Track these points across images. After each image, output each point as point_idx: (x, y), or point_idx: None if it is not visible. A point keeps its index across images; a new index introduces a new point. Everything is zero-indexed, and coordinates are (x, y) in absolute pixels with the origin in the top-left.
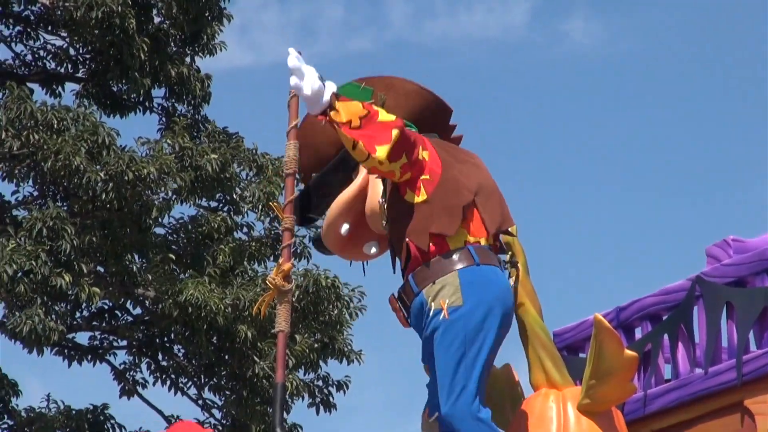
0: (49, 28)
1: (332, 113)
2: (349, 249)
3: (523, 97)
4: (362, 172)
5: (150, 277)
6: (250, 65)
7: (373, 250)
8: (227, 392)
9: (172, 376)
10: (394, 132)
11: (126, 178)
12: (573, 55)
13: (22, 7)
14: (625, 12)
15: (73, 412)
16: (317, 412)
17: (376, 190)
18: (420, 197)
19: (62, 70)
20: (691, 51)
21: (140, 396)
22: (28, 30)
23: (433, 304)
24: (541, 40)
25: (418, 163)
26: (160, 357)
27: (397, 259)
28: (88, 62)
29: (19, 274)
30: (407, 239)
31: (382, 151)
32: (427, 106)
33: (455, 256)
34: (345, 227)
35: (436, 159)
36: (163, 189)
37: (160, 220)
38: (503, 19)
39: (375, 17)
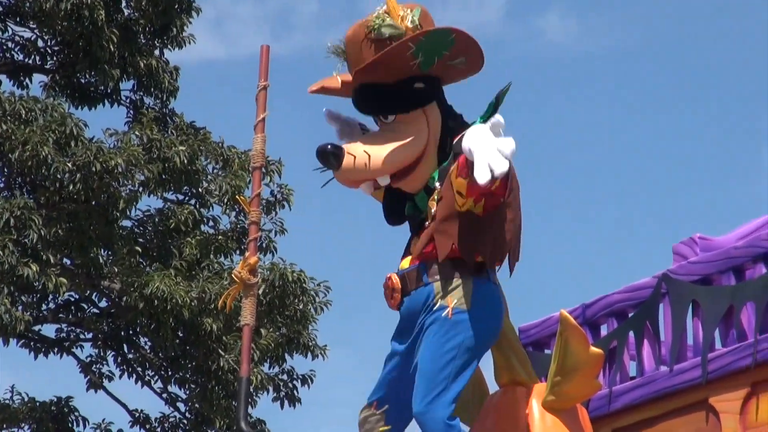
0: (18, 19)
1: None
2: (353, 186)
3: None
4: (420, 137)
5: (116, 270)
6: (223, 58)
7: (368, 190)
8: (192, 385)
9: (138, 369)
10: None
11: (93, 169)
12: (548, 51)
13: None
14: (600, 8)
15: (37, 404)
16: (282, 407)
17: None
18: (476, 208)
19: (30, 62)
20: (665, 47)
21: (105, 389)
22: None
23: (440, 300)
24: (516, 37)
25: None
26: (125, 350)
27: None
28: (56, 54)
29: None
30: (452, 244)
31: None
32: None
33: (467, 266)
34: (386, 182)
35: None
36: (130, 181)
37: (127, 212)
38: (478, 15)
39: (350, 11)
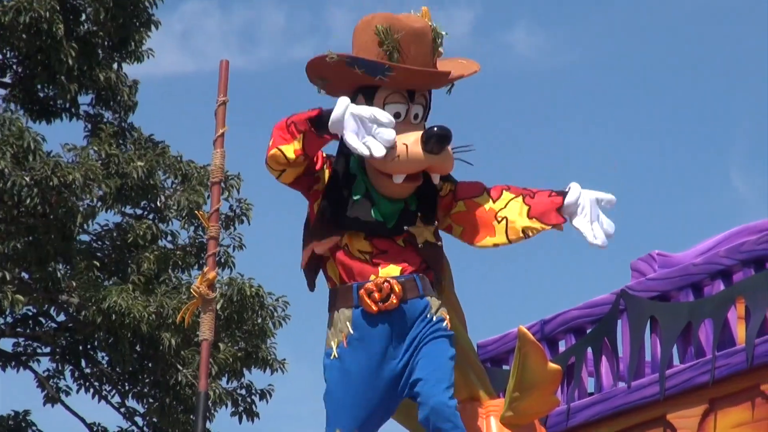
0: None
1: None
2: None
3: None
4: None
5: (74, 284)
6: (190, 71)
7: (400, 179)
8: (150, 400)
9: (95, 383)
10: None
11: (51, 183)
12: (515, 66)
13: None
14: (567, 23)
15: None
16: (240, 421)
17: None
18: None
19: None
20: (632, 62)
21: (63, 403)
22: None
23: (437, 313)
24: (484, 51)
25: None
26: (83, 364)
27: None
28: (15, 67)
29: None
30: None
31: None
32: None
33: None
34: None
35: None
36: (88, 195)
37: (85, 226)
38: (446, 30)
39: (316, 25)
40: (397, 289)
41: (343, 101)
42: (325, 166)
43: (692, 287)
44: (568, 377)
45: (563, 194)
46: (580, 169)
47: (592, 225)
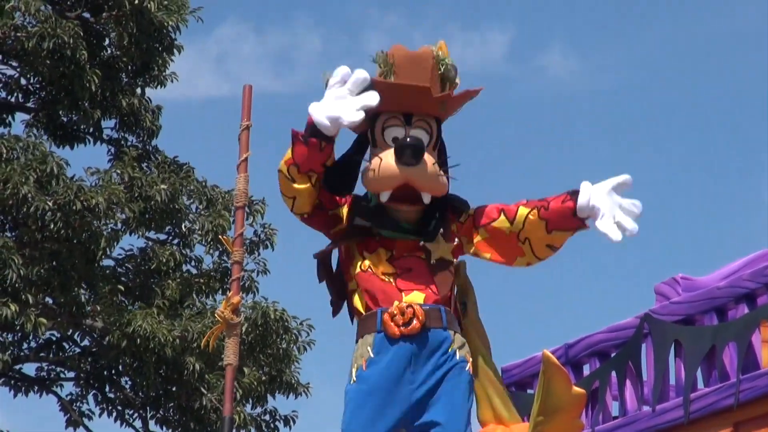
0: (0, 57)
1: None
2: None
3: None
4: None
5: (98, 308)
6: (226, 95)
7: (384, 198)
8: (174, 424)
9: (119, 407)
10: None
11: (74, 207)
12: (550, 89)
13: None
14: (602, 47)
15: None
16: None
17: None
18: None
19: (13, 100)
20: (666, 86)
21: (86, 427)
22: None
23: (459, 351)
24: (519, 74)
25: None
26: (107, 389)
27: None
28: (38, 92)
29: None
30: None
31: None
32: None
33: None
34: (428, 200)
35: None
36: (111, 219)
37: (108, 251)
38: (481, 53)
39: (353, 49)
40: (420, 315)
41: (312, 106)
42: (342, 205)
43: (716, 311)
44: (593, 401)
45: (576, 195)
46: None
47: (615, 220)
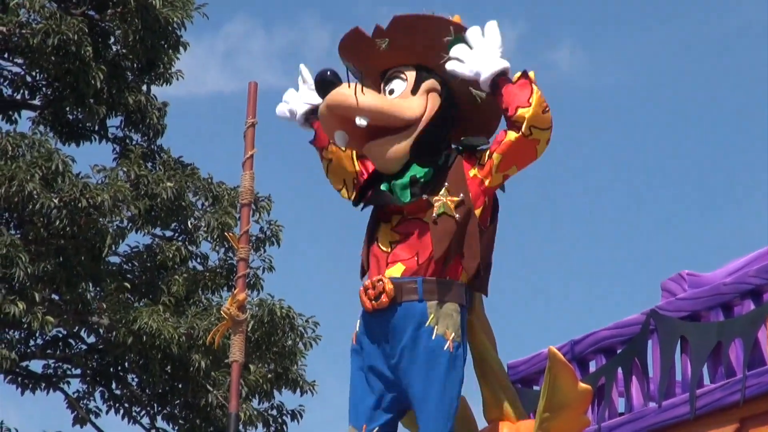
0: (6, 54)
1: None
2: (331, 124)
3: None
4: (414, 110)
5: (104, 306)
6: (231, 91)
7: (340, 142)
8: (181, 421)
9: (125, 404)
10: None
11: (80, 205)
12: (559, 85)
13: None
14: (611, 43)
15: None
16: None
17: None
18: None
19: (18, 97)
20: (675, 83)
21: (93, 424)
22: None
23: (437, 327)
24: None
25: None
26: (113, 385)
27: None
28: (44, 89)
29: None
30: (478, 264)
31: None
32: None
33: (461, 290)
34: (363, 123)
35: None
36: (117, 217)
37: (114, 248)
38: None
39: None
40: (388, 288)
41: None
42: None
43: (722, 307)
44: (599, 397)
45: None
46: (605, 190)
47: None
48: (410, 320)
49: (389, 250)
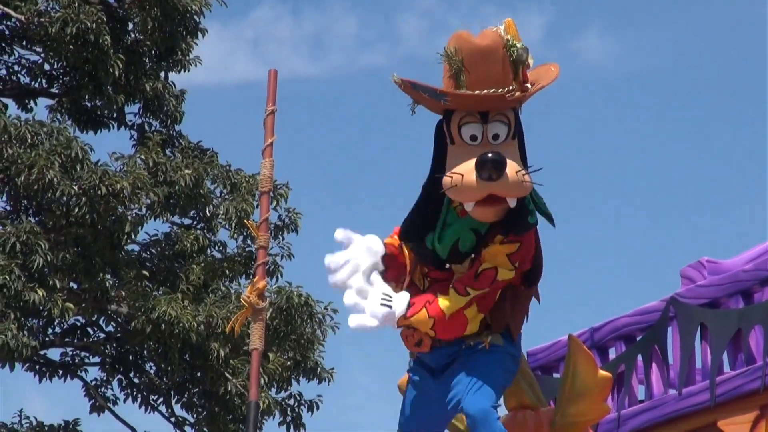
0: (24, 43)
1: None
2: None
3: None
4: None
5: (123, 294)
6: (258, 78)
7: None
8: (199, 409)
9: (144, 392)
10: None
11: (99, 192)
12: (587, 71)
13: None
14: (639, 29)
15: (46, 428)
16: (288, 431)
17: None
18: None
19: (37, 85)
20: (705, 68)
21: (111, 412)
22: (3, 45)
23: (474, 340)
24: (556, 57)
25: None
26: (132, 374)
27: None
28: (62, 77)
29: None
30: (506, 322)
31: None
32: None
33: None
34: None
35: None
36: (136, 204)
37: (133, 236)
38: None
39: (388, 32)
40: (426, 340)
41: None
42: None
43: (742, 294)
44: (619, 385)
45: None
46: (625, 177)
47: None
48: (453, 349)
49: (425, 285)
